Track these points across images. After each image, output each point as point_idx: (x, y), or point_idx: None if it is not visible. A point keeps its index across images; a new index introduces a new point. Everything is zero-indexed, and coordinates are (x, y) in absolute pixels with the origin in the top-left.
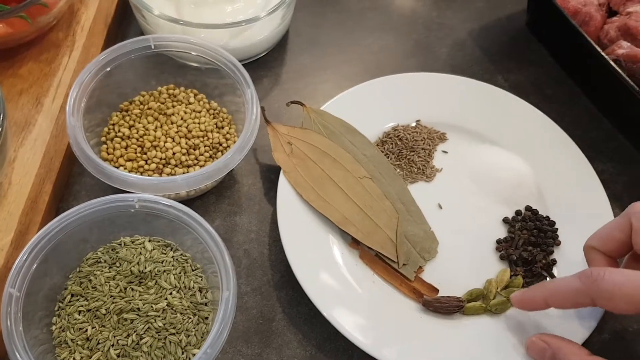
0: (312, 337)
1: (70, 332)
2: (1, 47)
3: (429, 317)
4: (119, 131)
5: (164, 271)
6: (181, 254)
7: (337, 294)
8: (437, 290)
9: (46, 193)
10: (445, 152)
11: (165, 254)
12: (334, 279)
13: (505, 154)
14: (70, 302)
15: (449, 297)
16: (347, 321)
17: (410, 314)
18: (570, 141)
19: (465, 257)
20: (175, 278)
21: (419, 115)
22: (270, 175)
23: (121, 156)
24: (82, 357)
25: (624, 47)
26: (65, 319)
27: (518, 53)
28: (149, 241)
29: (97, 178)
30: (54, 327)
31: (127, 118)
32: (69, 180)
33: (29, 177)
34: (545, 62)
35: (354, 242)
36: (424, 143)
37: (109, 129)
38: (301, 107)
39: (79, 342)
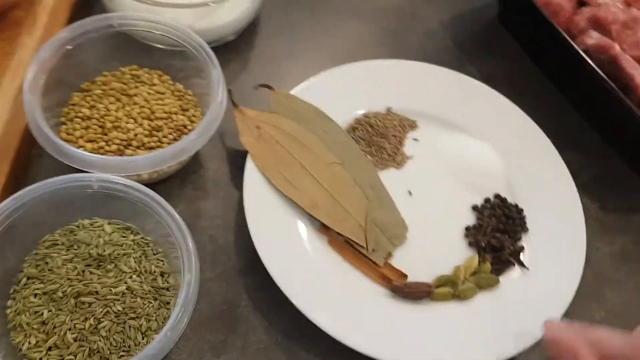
0: (278, 323)
1: (25, 316)
2: None
3: (398, 303)
4: (80, 111)
5: (124, 254)
6: (142, 238)
7: (304, 280)
8: (406, 276)
9: (2, 174)
10: (416, 139)
11: (125, 237)
12: (301, 265)
13: (476, 142)
14: (25, 285)
15: (417, 282)
16: (314, 307)
17: (379, 301)
18: (540, 131)
19: (434, 244)
20: (135, 262)
21: (390, 103)
22: (237, 160)
23: (81, 137)
24: (37, 341)
25: (593, 37)
26: (20, 302)
27: (490, 44)
28: (109, 224)
29: (56, 160)
30: (8, 311)
31: (88, 98)
32: (27, 163)
33: None
34: (517, 54)
35: (323, 228)
36: (394, 130)
37: (69, 110)
38: (269, 92)
39: (35, 326)
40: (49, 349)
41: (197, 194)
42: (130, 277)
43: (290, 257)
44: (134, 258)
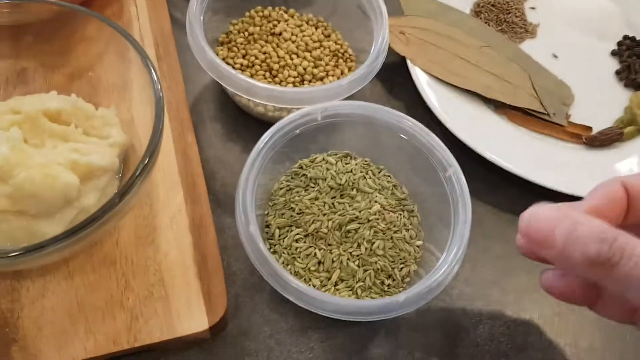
0: (500, 211)
1: (298, 262)
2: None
3: (593, 152)
4: (236, 63)
5: (359, 178)
6: (362, 160)
7: (513, 154)
8: (591, 129)
9: (192, 143)
10: (533, 8)
11: (348, 163)
12: (504, 142)
13: None
14: (280, 235)
15: (606, 129)
16: (532, 171)
17: (574, 154)
18: None
19: (594, 94)
20: (371, 181)
21: None
22: (383, 74)
23: None
24: (321, 281)
25: None
26: (285, 253)
27: None
28: (328, 155)
29: (221, 122)
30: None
31: (235, 49)
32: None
33: (166, 132)
34: None
35: (498, 109)
36: (513, 4)
37: None
38: None
39: (312, 268)
40: (335, 284)
41: None
42: (377, 196)
43: (491, 138)
44: (369, 178)
